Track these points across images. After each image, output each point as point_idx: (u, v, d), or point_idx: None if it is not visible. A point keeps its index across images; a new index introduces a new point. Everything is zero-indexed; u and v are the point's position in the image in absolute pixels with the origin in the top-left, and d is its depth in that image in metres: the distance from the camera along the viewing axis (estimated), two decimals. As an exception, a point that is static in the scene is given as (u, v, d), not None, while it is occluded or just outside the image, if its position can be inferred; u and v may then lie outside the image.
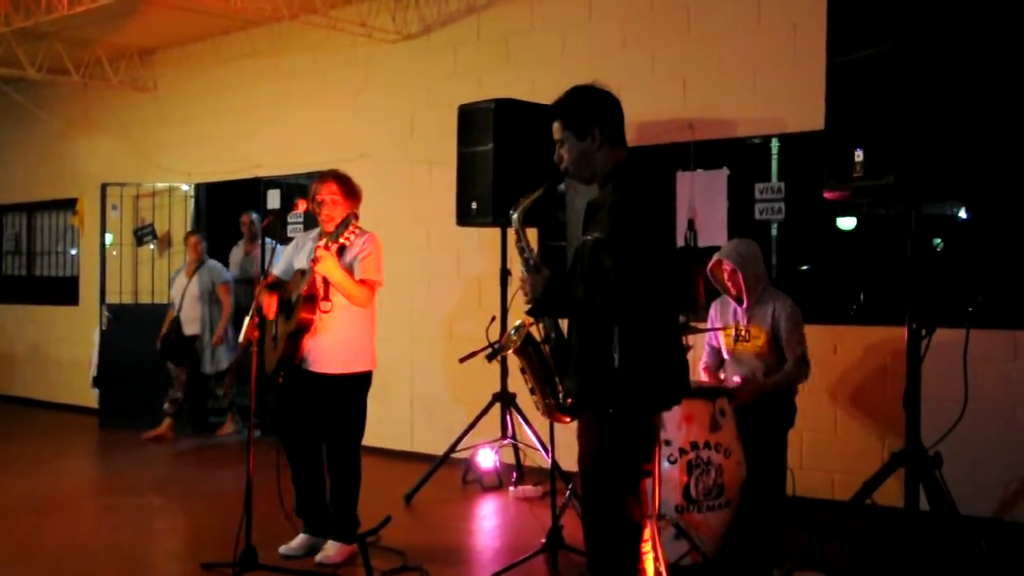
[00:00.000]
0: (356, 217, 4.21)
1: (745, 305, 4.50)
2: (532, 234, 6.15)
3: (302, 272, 4.34)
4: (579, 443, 2.94)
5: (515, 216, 3.17)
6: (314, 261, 4.13)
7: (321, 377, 4.34)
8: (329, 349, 4.31)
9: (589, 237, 2.88)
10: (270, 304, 4.30)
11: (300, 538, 4.47)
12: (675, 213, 5.64)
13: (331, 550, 4.35)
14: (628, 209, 2.79)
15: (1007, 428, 4.75)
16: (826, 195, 3.35)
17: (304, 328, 4.26)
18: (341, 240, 4.14)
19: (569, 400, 2.92)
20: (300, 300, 4.23)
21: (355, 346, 4.36)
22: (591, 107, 2.94)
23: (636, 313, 2.76)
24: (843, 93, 3.26)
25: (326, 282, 4.23)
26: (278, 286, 4.44)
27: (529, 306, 2.96)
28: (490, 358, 3.92)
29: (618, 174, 2.91)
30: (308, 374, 4.35)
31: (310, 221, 5.88)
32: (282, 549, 4.39)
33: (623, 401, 2.80)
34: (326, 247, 4.13)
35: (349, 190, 4.40)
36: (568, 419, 3.05)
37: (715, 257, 4.54)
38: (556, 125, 2.96)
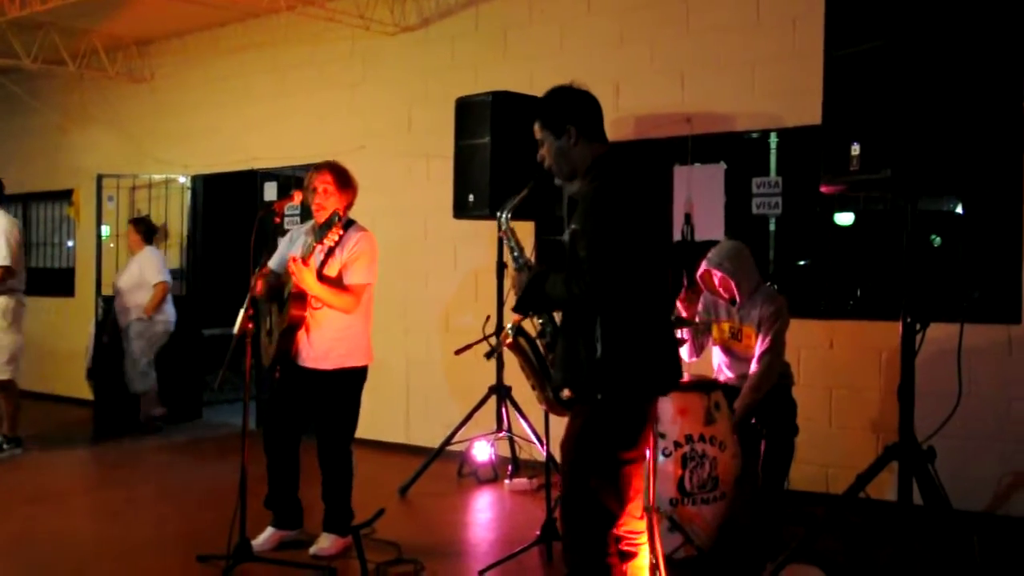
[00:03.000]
0: (340, 217, 4.20)
1: (739, 304, 4.49)
2: (529, 228, 6.14)
3: None
4: (567, 427, 2.97)
5: (503, 218, 3.29)
6: (291, 273, 4.14)
7: (316, 373, 4.34)
8: (324, 345, 4.31)
9: (569, 229, 2.93)
10: (259, 286, 4.29)
11: (268, 532, 4.43)
12: (670, 204, 5.64)
13: (325, 542, 4.35)
14: (601, 199, 2.85)
15: (1001, 422, 4.76)
16: (822, 189, 3.35)
17: (295, 325, 4.27)
18: (325, 241, 4.14)
19: (566, 392, 2.92)
20: (290, 297, 4.23)
21: (350, 342, 4.36)
22: (565, 106, 3.02)
23: (614, 303, 2.79)
24: (841, 87, 3.25)
25: (318, 276, 4.23)
26: (273, 278, 4.44)
27: (516, 303, 3.04)
28: (489, 356, 3.96)
29: (595, 167, 2.97)
30: (303, 370, 4.35)
31: (307, 213, 5.88)
32: (253, 542, 4.26)
33: (608, 389, 2.83)
34: (304, 260, 4.12)
35: (343, 181, 4.39)
36: (565, 413, 3.06)
37: (704, 267, 4.51)
38: (536, 126, 3.07)
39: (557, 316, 3.10)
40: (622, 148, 3.10)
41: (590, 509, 2.88)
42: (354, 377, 4.41)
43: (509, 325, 3.23)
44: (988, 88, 3.00)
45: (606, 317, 2.80)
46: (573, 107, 3.02)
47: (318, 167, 4.42)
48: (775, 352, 4.35)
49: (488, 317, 4.71)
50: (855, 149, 3.12)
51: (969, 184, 3.22)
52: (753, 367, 4.35)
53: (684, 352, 4.58)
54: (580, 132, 2.99)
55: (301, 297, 4.23)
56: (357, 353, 4.39)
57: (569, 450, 2.93)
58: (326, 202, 4.34)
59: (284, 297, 4.31)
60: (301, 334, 4.31)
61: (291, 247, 4.51)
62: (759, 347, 4.36)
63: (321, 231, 4.17)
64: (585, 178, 2.99)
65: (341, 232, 4.19)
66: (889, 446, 3.36)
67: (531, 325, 3.19)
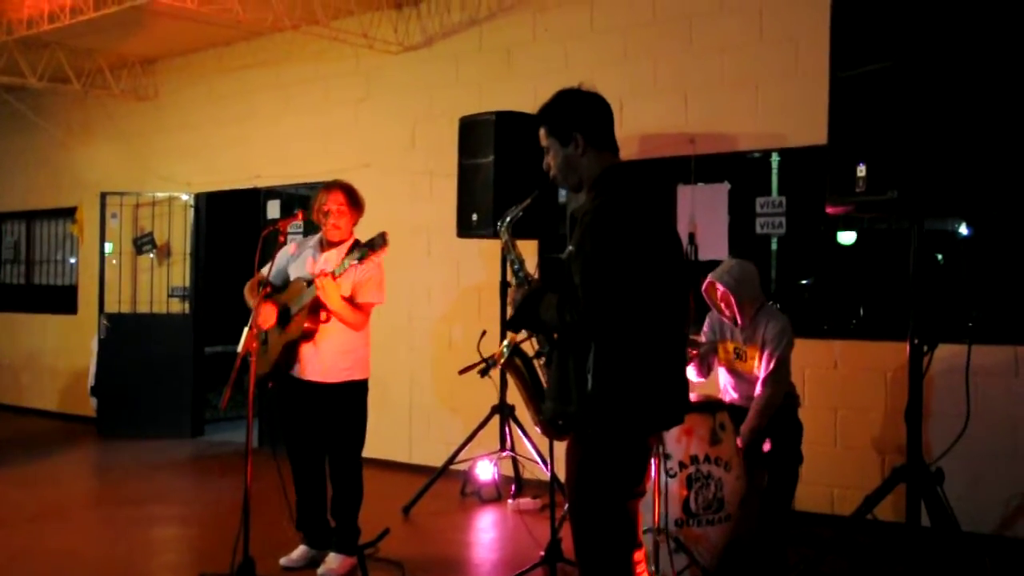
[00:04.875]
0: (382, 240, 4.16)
1: (740, 325, 4.48)
2: (533, 246, 6.15)
3: (307, 282, 4.33)
4: (565, 463, 2.80)
5: (503, 227, 3.14)
6: (318, 287, 4.12)
7: (323, 387, 4.34)
8: (331, 358, 4.32)
9: (568, 249, 2.75)
10: (268, 316, 4.31)
11: (300, 549, 4.47)
12: (675, 224, 5.62)
13: (334, 563, 4.33)
14: (601, 219, 2.65)
15: (1009, 444, 4.74)
16: (828, 210, 3.35)
17: (307, 337, 4.28)
18: (366, 262, 4.11)
19: (560, 421, 2.79)
20: (305, 309, 4.23)
21: (354, 355, 4.38)
22: (573, 112, 2.81)
23: (609, 333, 2.59)
24: (846, 108, 3.26)
25: None
26: (275, 292, 4.44)
27: (509, 320, 2.89)
28: (482, 374, 3.91)
29: (601, 181, 2.78)
30: (309, 384, 4.35)
31: (310, 231, 5.89)
32: (283, 560, 4.40)
33: (599, 425, 2.65)
34: (334, 275, 4.12)
35: (354, 200, 4.44)
36: (557, 437, 2.97)
37: (708, 278, 4.50)
38: (542, 132, 2.88)
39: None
40: (633, 164, 2.99)
41: (602, 546, 2.72)
42: (360, 390, 4.43)
43: (504, 343, 3.11)
44: (996, 109, 3.01)
45: (601, 347, 2.60)
46: (581, 113, 2.81)
47: (328, 187, 4.44)
48: (780, 374, 4.30)
49: (484, 332, 4.66)
50: (861, 170, 3.13)
51: (976, 205, 3.22)
52: (758, 390, 4.30)
53: (692, 372, 4.56)
54: (588, 140, 2.78)
55: (317, 311, 4.24)
56: (360, 366, 4.42)
57: (570, 493, 2.77)
58: (340, 221, 4.37)
59: (287, 311, 4.32)
60: (308, 347, 4.31)
61: (294, 261, 4.51)
62: (763, 369, 4.32)
63: (364, 250, 4.10)
64: (591, 192, 2.80)
65: (385, 253, 4.16)
66: (897, 468, 3.35)
67: (531, 344, 3.05)
